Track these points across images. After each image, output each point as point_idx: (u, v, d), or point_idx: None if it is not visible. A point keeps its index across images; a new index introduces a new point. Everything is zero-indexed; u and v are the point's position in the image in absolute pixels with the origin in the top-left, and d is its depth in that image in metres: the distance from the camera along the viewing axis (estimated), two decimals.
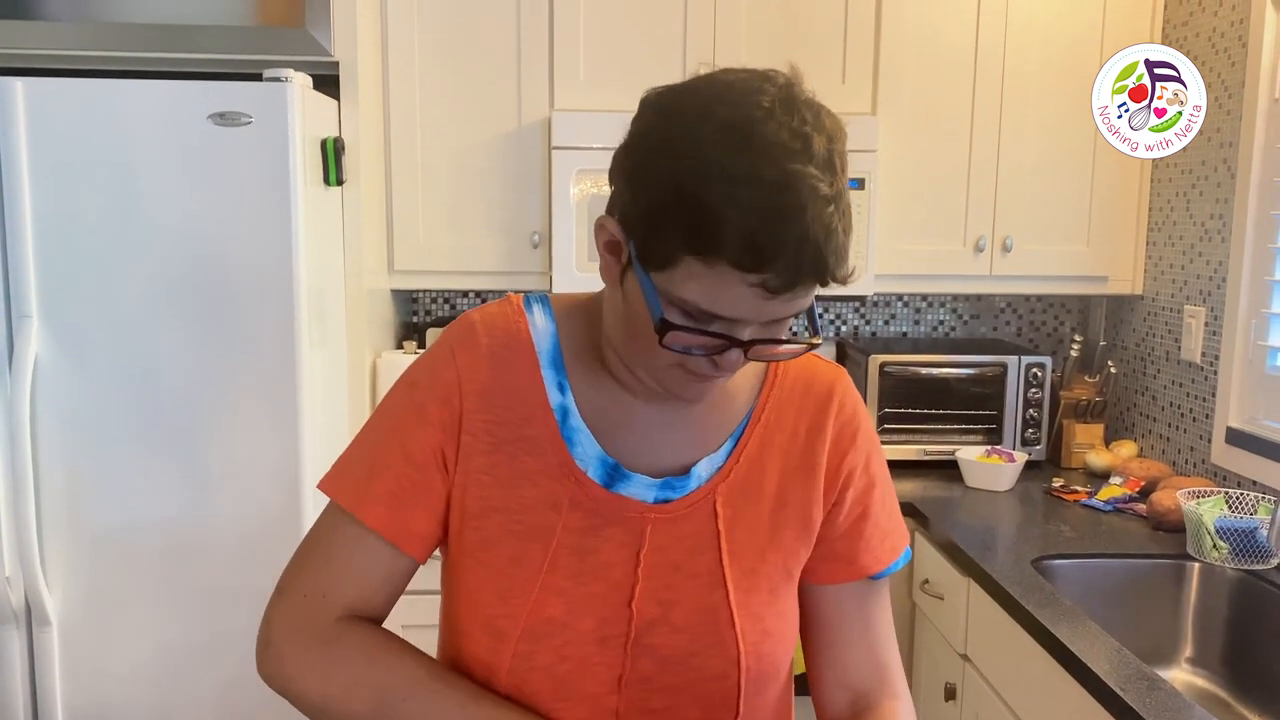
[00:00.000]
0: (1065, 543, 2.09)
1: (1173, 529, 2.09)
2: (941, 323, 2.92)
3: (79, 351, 1.91)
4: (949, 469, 2.51)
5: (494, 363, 0.90)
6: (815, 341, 0.85)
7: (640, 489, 0.90)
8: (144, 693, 1.98)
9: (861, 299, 2.85)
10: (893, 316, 2.92)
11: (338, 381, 2.23)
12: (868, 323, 2.92)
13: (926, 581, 2.21)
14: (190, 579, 1.95)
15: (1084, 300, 2.89)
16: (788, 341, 0.84)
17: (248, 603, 1.99)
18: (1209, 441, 2.30)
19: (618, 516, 0.89)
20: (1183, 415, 2.43)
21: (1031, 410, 2.57)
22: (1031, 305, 2.92)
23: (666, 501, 0.90)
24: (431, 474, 0.89)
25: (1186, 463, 2.40)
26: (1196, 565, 1.96)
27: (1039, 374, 2.56)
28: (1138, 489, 2.32)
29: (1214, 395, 2.29)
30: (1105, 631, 1.62)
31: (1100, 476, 2.49)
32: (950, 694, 2.08)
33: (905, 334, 2.93)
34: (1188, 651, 1.96)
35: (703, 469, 0.92)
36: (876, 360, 2.55)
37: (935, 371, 2.59)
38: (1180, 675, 1.94)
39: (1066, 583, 1.92)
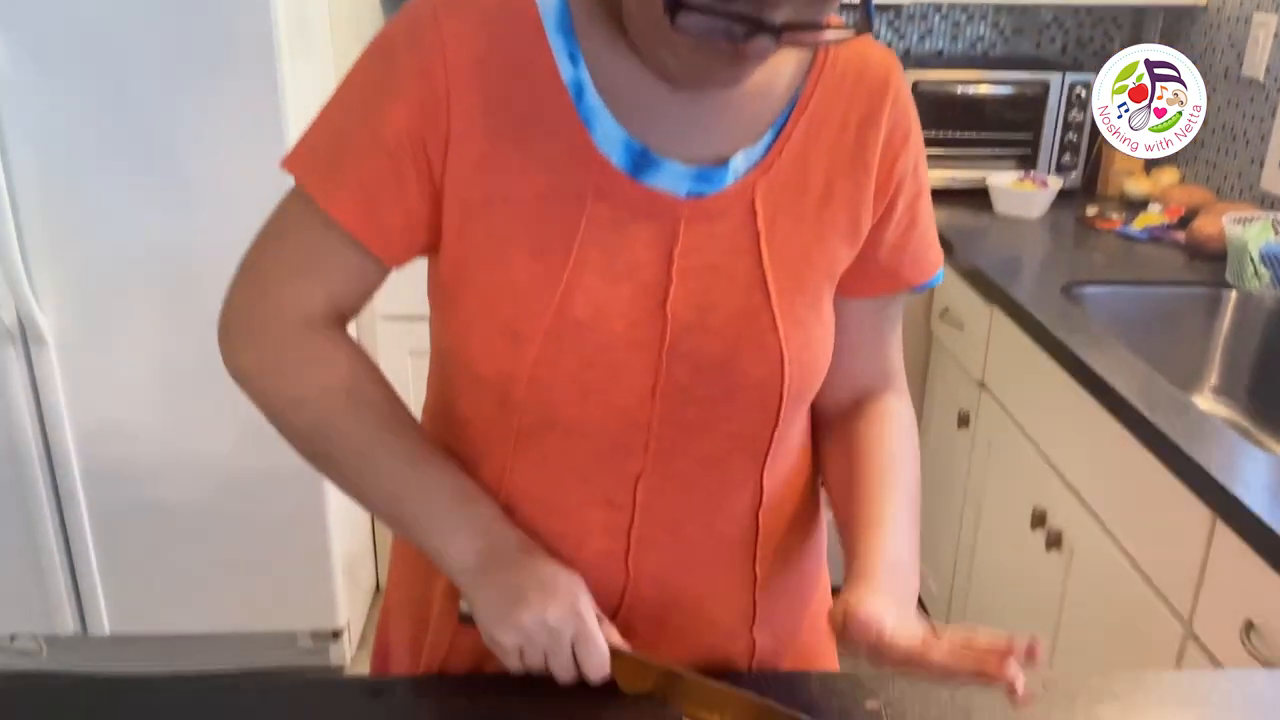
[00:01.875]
0: (1096, 270, 2.00)
1: (1211, 257, 1.99)
2: (981, 39, 2.69)
3: (43, 60, 1.75)
4: (978, 197, 2.38)
5: (489, 28, 0.75)
6: (866, 30, 0.70)
7: (672, 179, 0.78)
8: (152, 411, 1.97)
9: (896, 9, 2.61)
10: (929, 31, 2.68)
11: (324, 94, 2.07)
12: (901, 38, 2.69)
13: (946, 310, 2.14)
14: (184, 297, 1.89)
15: (1138, 13, 2.63)
16: (830, 28, 0.69)
17: None
18: (1260, 165, 2.15)
19: (647, 211, 0.78)
20: (1234, 138, 2.26)
21: (1071, 134, 2.41)
22: (1080, 19, 2.67)
23: (701, 196, 0.78)
24: (405, 162, 0.76)
25: (1232, 189, 2.26)
26: (1233, 293, 1.88)
27: (1082, 94, 2.37)
28: (1177, 217, 2.20)
29: (1273, 115, 2.12)
30: (1135, 357, 1.56)
31: (1138, 204, 2.36)
32: (963, 421, 2.06)
33: (941, 53, 2.71)
34: (1212, 380, 1.91)
35: (740, 162, 0.79)
36: (909, 77, 2.35)
37: (971, 90, 2.40)
38: (1203, 403, 1.90)
39: (1096, 310, 1.84)
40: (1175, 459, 1.32)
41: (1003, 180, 2.34)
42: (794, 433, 0.90)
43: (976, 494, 2.02)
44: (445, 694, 0.89)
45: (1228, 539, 1.22)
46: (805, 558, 0.97)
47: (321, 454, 0.85)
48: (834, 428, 0.93)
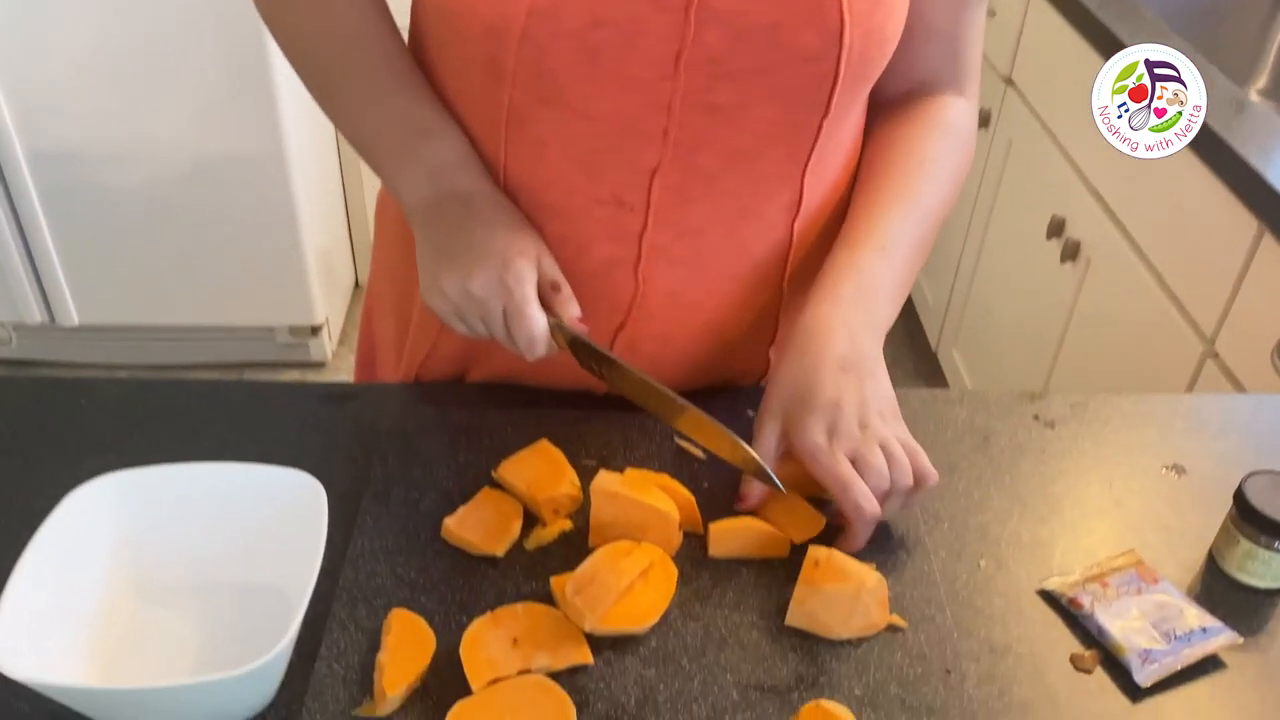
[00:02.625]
0: None
1: None
2: None
3: None
4: None
5: None
6: None
7: None
8: (95, 87, 1.78)
9: None
10: None
11: None
12: None
13: None
14: None
15: None
16: None
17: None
18: None
19: None
20: None
21: None
22: None
23: None
24: None
25: None
26: None
27: None
28: None
29: None
30: (1189, 48, 1.39)
31: None
32: (983, 121, 1.91)
33: None
34: (1261, 82, 1.74)
35: None
36: None
37: None
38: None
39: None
40: (1224, 162, 1.19)
41: None
42: (846, 127, 0.74)
43: (988, 200, 1.90)
44: (415, 402, 0.82)
45: (1272, 251, 1.12)
46: None
47: (319, 97, 0.77)
48: (875, 124, 0.79)
